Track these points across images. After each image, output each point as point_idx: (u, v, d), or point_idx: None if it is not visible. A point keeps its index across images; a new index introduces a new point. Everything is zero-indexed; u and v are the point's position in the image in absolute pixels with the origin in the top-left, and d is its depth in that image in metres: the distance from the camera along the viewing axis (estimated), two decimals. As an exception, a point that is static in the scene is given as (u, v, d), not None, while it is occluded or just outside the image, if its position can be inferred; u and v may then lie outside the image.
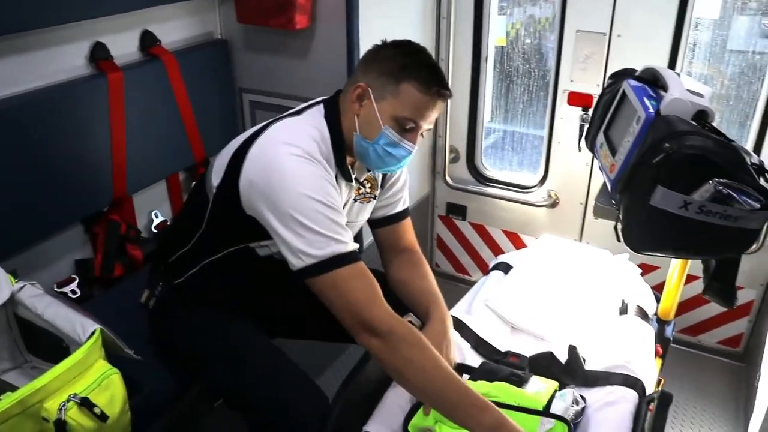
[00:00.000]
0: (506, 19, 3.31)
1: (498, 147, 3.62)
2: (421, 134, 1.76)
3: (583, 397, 1.76)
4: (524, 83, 3.33)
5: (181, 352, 1.93)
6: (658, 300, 2.30)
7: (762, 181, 1.60)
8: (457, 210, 3.60)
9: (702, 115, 1.74)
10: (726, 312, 3.06)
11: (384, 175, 1.98)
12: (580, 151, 3.06)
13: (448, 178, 3.50)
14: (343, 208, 1.86)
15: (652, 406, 1.73)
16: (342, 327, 2.07)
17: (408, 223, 2.08)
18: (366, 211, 2.00)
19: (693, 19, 2.73)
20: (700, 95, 1.76)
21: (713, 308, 3.08)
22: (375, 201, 2.00)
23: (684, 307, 2.97)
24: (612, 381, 1.83)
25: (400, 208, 2.06)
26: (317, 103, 1.83)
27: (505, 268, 2.40)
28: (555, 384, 1.80)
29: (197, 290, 1.89)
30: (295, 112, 1.81)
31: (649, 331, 2.09)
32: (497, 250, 3.49)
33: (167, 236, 2.25)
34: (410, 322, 1.98)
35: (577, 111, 3.03)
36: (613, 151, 1.85)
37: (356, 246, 1.64)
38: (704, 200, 1.53)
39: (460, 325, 2.05)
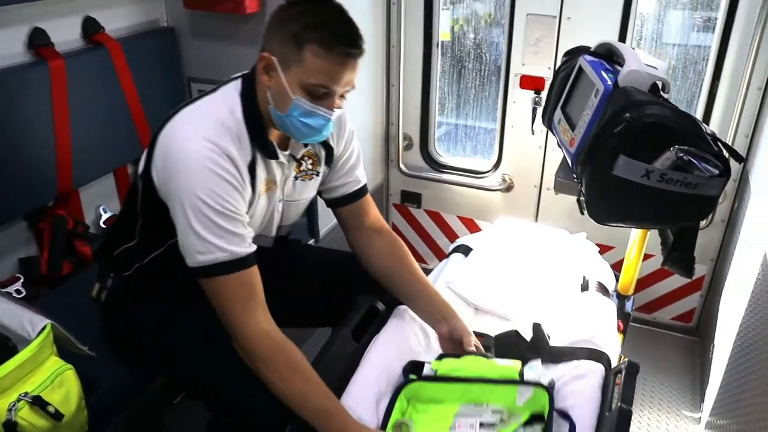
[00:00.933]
0: (450, 14, 3.29)
1: (451, 134, 3.61)
2: (342, 96, 1.63)
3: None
4: (476, 68, 3.33)
5: (137, 346, 1.85)
6: (616, 277, 2.33)
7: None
8: (411, 198, 3.59)
9: (655, 88, 1.76)
10: (679, 288, 3.14)
11: (329, 151, 1.89)
12: (533, 134, 3.10)
13: (402, 166, 3.48)
14: (282, 186, 1.80)
15: (619, 379, 1.74)
16: (306, 311, 2.02)
17: (369, 199, 2.02)
18: (310, 188, 1.91)
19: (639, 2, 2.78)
20: (655, 68, 1.78)
21: (666, 285, 3.16)
22: (320, 177, 1.91)
23: (639, 285, 3.01)
24: (578, 356, 1.83)
25: (359, 184, 1.99)
26: (236, 77, 1.72)
27: (465, 250, 2.39)
28: (519, 362, 1.79)
29: (146, 283, 1.82)
30: (211, 90, 1.71)
31: (611, 306, 2.11)
32: (453, 237, 3.48)
33: (113, 231, 2.14)
34: (375, 306, 1.98)
35: (530, 94, 3.05)
36: (572, 126, 1.85)
37: (244, 251, 1.59)
38: (665, 168, 1.55)
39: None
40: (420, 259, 3.72)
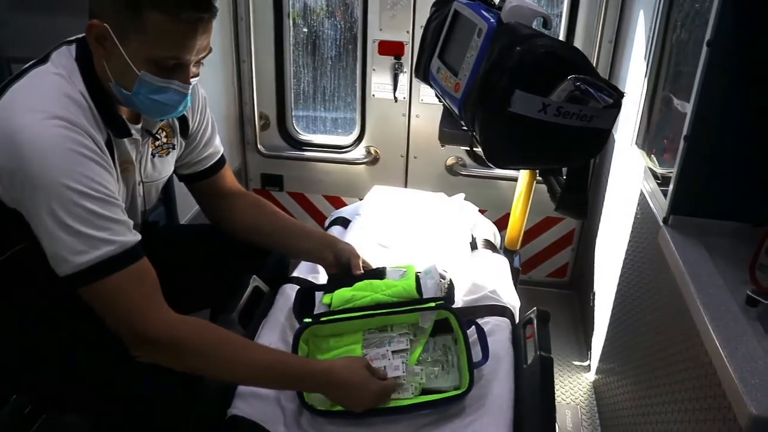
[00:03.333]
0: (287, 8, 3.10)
1: (309, 110, 3.43)
2: (198, 63, 1.40)
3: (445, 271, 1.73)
4: (331, 38, 3.17)
5: None
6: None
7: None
8: (272, 180, 3.38)
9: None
10: (551, 245, 3.20)
11: (184, 122, 1.65)
12: (396, 101, 3.01)
13: (260, 147, 3.25)
14: (140, 166, 1.55)
15: (530, 331, 1.67)
16: (182, 296, 1.78)
17: (227, 165, 1.84)
18: (168, 164, 1.68)
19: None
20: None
21: (539, 244, 3.21)
22: (176, 151, 1.68)
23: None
24: (480, 313, 1.76)
25: (218, 155, 1.80)
26: (68, 42, 1.42)
27: (343, 222, 2.25)
28: (411, 266, 1.73)
29: None
30: (41, 59, 1.40)
31: (504, 261, 2.06)
32: (321, 219, 3.32)
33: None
34: (257, 286, 1.78)
35: (389, 60, 2.95)
36: (455, 72, 1.75)
37: (133, 240, 1.33)
38: (562, 101, 1.48)
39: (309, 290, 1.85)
40: (288, 245, 3.52)
